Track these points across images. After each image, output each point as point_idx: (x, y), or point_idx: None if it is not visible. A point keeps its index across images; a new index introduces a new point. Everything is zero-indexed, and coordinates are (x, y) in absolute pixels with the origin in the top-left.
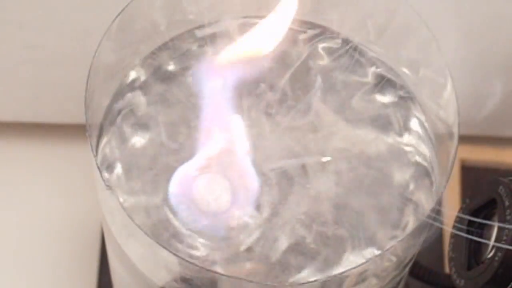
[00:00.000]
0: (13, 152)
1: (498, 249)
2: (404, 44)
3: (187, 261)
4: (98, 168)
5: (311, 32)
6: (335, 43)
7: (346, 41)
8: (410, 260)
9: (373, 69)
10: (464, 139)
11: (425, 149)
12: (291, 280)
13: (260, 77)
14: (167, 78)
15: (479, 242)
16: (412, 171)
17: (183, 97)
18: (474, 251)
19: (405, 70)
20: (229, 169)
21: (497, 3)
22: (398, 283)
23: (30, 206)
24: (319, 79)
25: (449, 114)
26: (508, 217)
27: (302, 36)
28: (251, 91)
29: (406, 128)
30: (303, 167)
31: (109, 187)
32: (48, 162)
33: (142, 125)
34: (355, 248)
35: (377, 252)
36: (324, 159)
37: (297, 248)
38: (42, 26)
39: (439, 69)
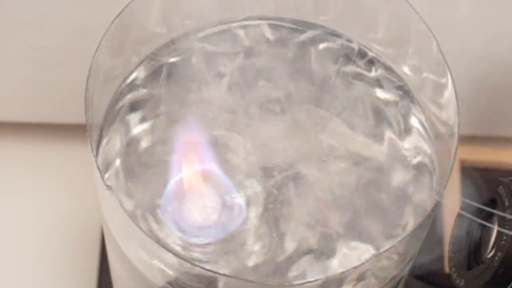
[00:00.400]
0: (13, 152)
1: (498, 249)
2: (404, 44)
3: (187, 261)
4: (98, 168)
5: (311, 32)
6: (335, 44)
7: (346, 42)
8: (410, 260)
9: (372, 69)
10: (464, 139)
11: (425, 147)
12: (293, 280)
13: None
14: (167, 77)
15: (479, 242)
16: (412, 170)
17: (183, 96)
18: (474, 251)
19: (405, 70)
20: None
21: (497, 3)
22: (398, 283)
23: (30, 206)
24: (319, 80)
25: (449, 114)
26: (508, 217)
27: (302, 36)
28: (250, 91)
29: (406, 127)
30: (303, 168)
31: (109, 187)
32: (48, 162)
33: (142, 125)
34: (355, 248)
35: (377, 252)
36: (324, 159)
37: (298, 248)
38: (42, 26)
39: (439, 69)
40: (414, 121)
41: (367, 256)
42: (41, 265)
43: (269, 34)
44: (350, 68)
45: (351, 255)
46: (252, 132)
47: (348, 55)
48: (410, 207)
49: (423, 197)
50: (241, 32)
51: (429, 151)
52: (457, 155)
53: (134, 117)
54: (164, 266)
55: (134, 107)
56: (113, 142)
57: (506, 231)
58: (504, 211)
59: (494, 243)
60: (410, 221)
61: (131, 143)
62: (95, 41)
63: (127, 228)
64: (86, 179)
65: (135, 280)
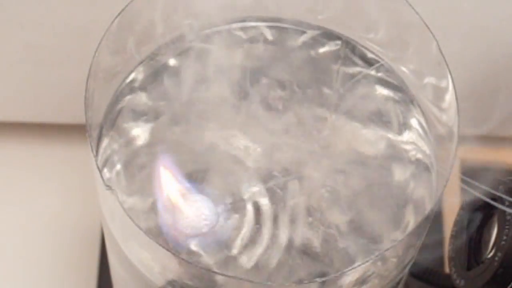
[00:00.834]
0: (13, 152)
1: (498, 249)
2: (404, 44)
3: (187, 261)
4: (98, 168)
5: (310, 33)
6: (335, 44)
7: (346, 42)
8: (410, 260)
9: (372, 69)
10: (464, 139)
11: (425, 146)
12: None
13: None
14: (167, 77)
15: (479, 242)
16: (412, 169)
17: (183, 95)
18: (474, 251)
19: (405, 70)
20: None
21: (497, 3)
22: (398, 283)
23: (30, 206)
24: (319, 80)
25: (449, 114)
26: (508, 217)
27: (301, 37)
28: (250, 91)
29: (406, 126)
30: (304, 168)
31: (109, 187)
32: (48, 162)
33: (142, 125)
34: (356, 248)
35: (377, 252)
36: (324, 159)
37: (299, 249)
38: (42, 26)
39: (439, 69)
40: (413, 122)
41: (367, 256)
42: (41, 265)
43: (268, 34)
44: (350, 68)
45: (352, 255)
46: (252, 131)
47: (348, 55)
48: (410, 207)
49: (423, 197)
50: (240, 32)
51: (428, 152)
52: (457, 155)
53: (134, 117)
54: (164, 266)
55: (134, 107)
56: (113, 142)
57: (506, 229)
58: (504, 211)
59: (494, 243)
60: (410, 221)
61: (131, 143)
62: (95, 41)
63: (127, 228)
64: (86, 179)
65: (135, 280)
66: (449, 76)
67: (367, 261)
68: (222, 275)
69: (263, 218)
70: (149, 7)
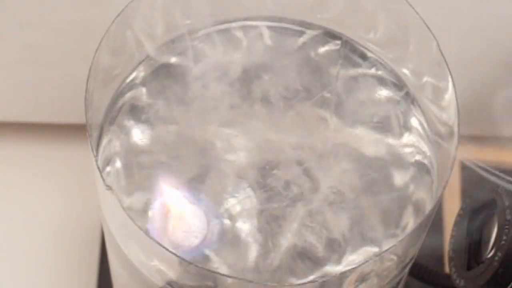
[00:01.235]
0: (13, 152)
1: (498, 249)
2: (404, 44)
3: (187, 261)
4: (98, 168)
5: (310, 33)
6: (335, 44)
7: (346, 42)
8: (410, 260)
9: (372, 70)
10: (464, 139)
11: (425, 147)
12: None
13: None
14: (167, 77)
15: (479, 242)
16: (412, 170)
17: (184, 95)
18: (474, 251)
19: (405, 70)
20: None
21: (497, 3)
22: (398, 283)
23: (30, 206)
24: (319, 80)
25: (450, 114)
26: (508, 217)
27: (301, 37)
28: (250, 90)
29: (406, 127)
30: (304, 168)
31: (109, 187)
32: (48, 162)
33: (142, 124)
34: (356, 249)
35: (378, 252)
36: (325, 160)
37: (299, 250)
38: (42, 26)
39: (439, 69)
40: (414, 122)
41: (367, 256)
42: (41, 265)
43: (268, 34)
44: (350, 68)
45: (352, 255)
46: (253, 131)
47: (348, 56)
48: (410, 207)
49: (423, 197)
50: (240, 32)
51: (428, 152)
52: (457, 155)
53: (134, 117)
54: (164, 266)
55: (134, 107)
56: (113, 142)
57: (506, 229)
58: (504, 211)
59: (494, 243)
60: (410, 221)
61: (131, 143)
62: (95, 41)
63: (127, 228)
64: (86, 179)
65: (135, 280)
66: (449, 76)
67: (367, 261)
68: (222, 275)
69: (263, 219)
70: (149, 7)
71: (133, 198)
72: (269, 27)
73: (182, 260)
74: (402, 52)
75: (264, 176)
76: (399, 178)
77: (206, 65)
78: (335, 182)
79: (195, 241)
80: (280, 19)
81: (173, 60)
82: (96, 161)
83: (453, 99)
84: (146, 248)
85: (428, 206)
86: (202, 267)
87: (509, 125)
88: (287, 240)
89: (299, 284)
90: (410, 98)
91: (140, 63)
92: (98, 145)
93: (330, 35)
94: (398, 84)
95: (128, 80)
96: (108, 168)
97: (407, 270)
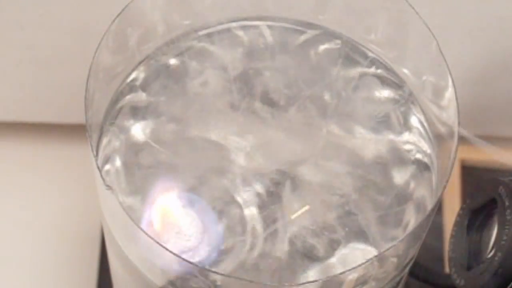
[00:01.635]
0: (13, 152)
1: (498, 249)
2: (404, 44)
3: (187, 261)
4: (98, 168)
5: (311, 32)
6: (335, 44)
7: (346, 42)
8: (410, 260)
9: (373, 69)
10: (464, 139)
11: (425, 147)
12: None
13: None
14: (167, 77)
15: (479, 242)
16: (412, 170)
17: (184, 95)
18: (474, 251)
19: (405, 70)
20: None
21: (498, 3)
22: (398, 283)
23: (30, 206)
24: (319, 80)
25: (450, 114)
26: (508, 217)
27: (301, 37)
28: (250, 91)
29: (406, 126)
30: (304, 168)
31: (109, 187)
32: (48, 162)
33: (143, 124)
34: (356, 248)
35: (378, 253)
36: (325, 158)
37: (300, 250)
38: (42, 26)
39: (439, 70)
40: (414, 121)
41: (367, 256)
42: (41, 265)
43: (268, 34)
44: (350, 68)
45: (352, 256)
46: (252, 132)
47: (348, 55)
48: (410, 207)
49: (423, 197)
50: (240, 32)
51: (428, 151)
52: (457, 155)
53: (134, 117)
54: (164, 266)
55: (134, 106)
56: (113, 142)
57: (506, 229)
58: (504, 211)
59: (494, 243)
60: (411, 221)
61: (131, 143)
62: (95, 41)
63: (127, 228)
64: (86, 179)
65: (135, 280)
66: (449, 76)
67: (367, 262)
68: (222, 275)
69: (263, 219)
70: (149, 7)
71: (133, 198)
72: (269, 27)
73: (182, 260)
74: (402, 51)
75: (264, 176)
76: (400, 176)
77: (206, 65)
78: (336, 181)
79: (187, 244)
80: (280, 19)
81: (173, 60)
82: (96, 161)
83: (453, 99)
84: (146, 248)
85: (429, 205)
86: (202, 267)
87: (509, 125)
88: (287, 240)
89: (299, 284)
90: (410, 98)
91: (140, 63)
92: (98, 145)
93: (330, 35)
94: (398, 84)
95: (128, 80)
96: (108, 168)
97: (407, 270)
